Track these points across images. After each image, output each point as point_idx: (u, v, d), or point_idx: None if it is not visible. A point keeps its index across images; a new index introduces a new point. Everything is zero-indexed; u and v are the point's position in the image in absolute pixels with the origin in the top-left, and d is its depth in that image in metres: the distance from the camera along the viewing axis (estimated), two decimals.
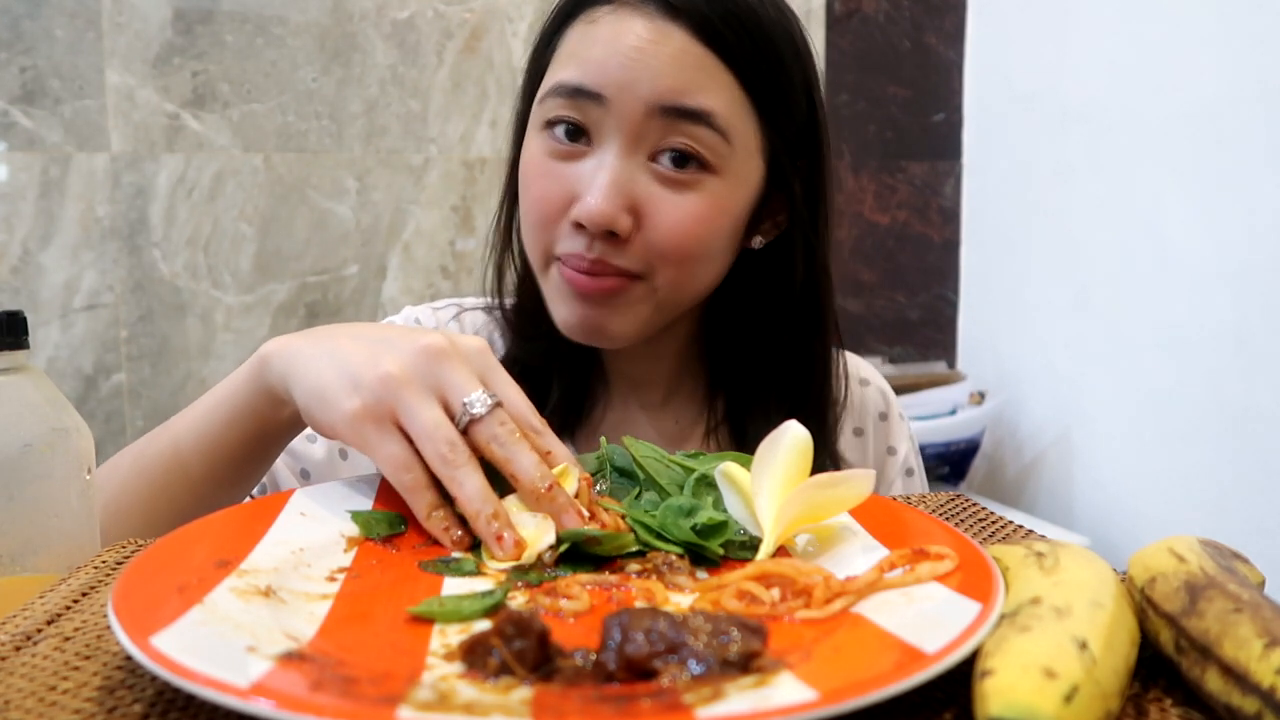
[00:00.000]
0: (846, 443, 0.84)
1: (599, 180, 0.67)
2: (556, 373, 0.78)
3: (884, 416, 0.88)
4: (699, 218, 0.68)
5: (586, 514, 0.49)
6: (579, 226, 0.67)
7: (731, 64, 0.67)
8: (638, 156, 0.68)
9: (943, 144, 2.15)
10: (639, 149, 0.67)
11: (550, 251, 0.70)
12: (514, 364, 0.78)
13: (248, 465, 0.62)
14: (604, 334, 0.71)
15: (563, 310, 0.71)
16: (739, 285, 0.77)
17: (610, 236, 0.67)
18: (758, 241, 0.75)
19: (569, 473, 0.50)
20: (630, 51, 0.66)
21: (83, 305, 1.66)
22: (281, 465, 0.75)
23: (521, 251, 0.77)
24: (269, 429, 0.60)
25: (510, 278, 0.80)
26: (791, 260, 0.75)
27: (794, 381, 0.78)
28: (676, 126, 0.67)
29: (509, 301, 0.81)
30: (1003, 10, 2.05)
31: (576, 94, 0.67)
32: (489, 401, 0.50)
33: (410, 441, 0.50)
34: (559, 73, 0.69)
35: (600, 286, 0.68)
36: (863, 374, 0.88)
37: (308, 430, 0.75)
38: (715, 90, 0.67)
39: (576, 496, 0.49)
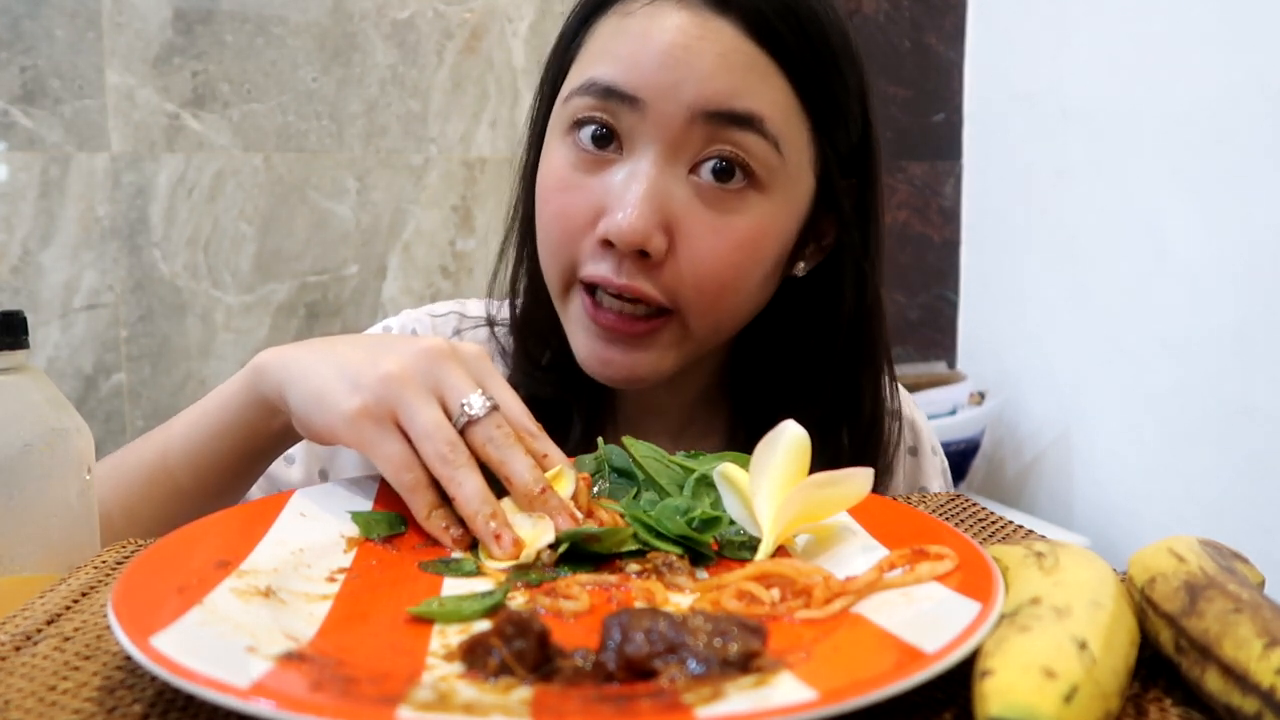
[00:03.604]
0: None
1: (631, 192, 0.59)
2: (569, 402, 0.70)
3: (914, 451, 0.80)
4: (741, 243, 0.61)
5: (582, 515, 0.49)
6: (606, 244, 0.60)
7: (785, 64, 0.60)
8: (676, 168, 0.60)
9: (943, 144, 2.15)
10: (678, 159, 0.60)
11: (572, 274, 0.63)
12: (516, 390, 0.73)
13: (234, 477, 0.62)
14: (634, 378, 0.64)
15: (585, 348, 0.64)
16: (777, 314, 0.69)
17: (641, 257, 0.60)
18: (800, 268, 0.68)
19: (564, 475, 0.51)
20: (672, 49, 0.59)
21: (83, 305, 1.66)
22: (258, 492, 0.72)
23: (534, 269, 0.69)
24: (259, 440, 0.60)
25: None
26: (839, 289, 0.68)
27: (836, 421, 0.70)
28: (722, 133, 0.59)
29: (512, 314, 0.74)
30: (1003, 10, 2.05)
31: (609, 95, 0.60)
32: (486, 404, 0.50)
33: (409, 441, 0.50)
34: (589, 69, 0.62)
35: (631, 330, 0.62)
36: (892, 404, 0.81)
37: (285, 454, 0.74)
38: (766, 93, 0.60)
39: (574, 498, 0.50)
